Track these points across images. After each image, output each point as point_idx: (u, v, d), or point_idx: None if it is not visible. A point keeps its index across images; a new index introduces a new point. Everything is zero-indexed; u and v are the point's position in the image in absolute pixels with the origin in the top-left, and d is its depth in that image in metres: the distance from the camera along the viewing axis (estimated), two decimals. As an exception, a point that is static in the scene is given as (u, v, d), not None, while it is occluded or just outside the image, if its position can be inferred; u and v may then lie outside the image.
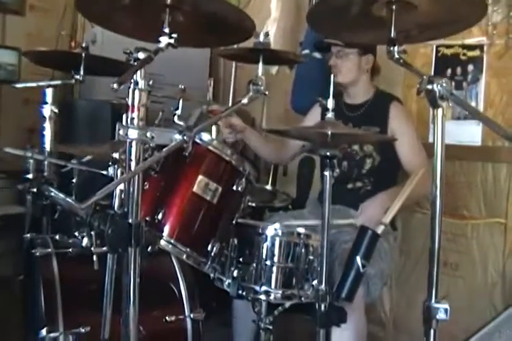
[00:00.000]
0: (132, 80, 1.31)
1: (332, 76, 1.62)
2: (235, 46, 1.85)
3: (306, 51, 2.82)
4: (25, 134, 3.46)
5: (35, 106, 2.27)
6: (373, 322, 2.56)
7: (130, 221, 1.27)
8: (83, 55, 2.07)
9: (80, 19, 3.84)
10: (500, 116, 2.26)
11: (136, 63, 1.28)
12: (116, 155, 1.48)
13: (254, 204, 2.48)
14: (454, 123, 2.37)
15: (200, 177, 1.65)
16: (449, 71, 2.44)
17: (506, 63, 2.25)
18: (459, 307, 2.18)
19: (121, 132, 1.29)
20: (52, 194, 1.54)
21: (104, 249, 1.32)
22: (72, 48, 3.72)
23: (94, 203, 1.23)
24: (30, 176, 2.06)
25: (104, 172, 1.79)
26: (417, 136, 2.18)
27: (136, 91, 1.31)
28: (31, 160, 2.06)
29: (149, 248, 1.48)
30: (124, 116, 1.33)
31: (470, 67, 2.38)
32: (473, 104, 2.34)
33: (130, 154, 1.30)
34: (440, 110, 1.26)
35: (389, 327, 2.65)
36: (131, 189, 1.30)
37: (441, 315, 1.24)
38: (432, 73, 2.50)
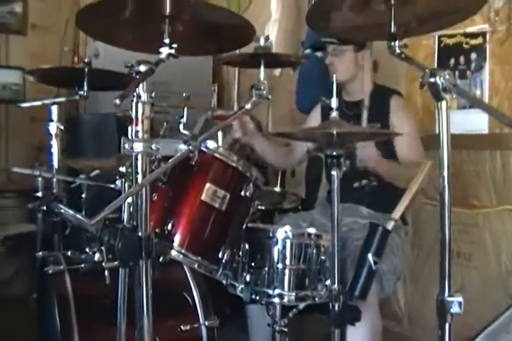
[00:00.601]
0: (135, 93, 1.32)
1: (334, 75, 1.62)
2: (237, 52, 1.86)
3: (308, 51, 2.82)
4: (33, 152, 3.50)
5: (42, 123, 2.29)
6: (388, 317, 2.54)
7: (140, 234, 1.27)
8: (86, 70, 2.08)
9: (82, 34, 3.88)
10: (506, 101, 2.24)
11: (138, 76, 1.29)
12: (123, 168, 1.49)
13: (263, 208, 2.48)
14: (461, 112, 2.36)
15: (207, 185, 1.64)
16: (453, 61, 2.43)
17: (509, 50, 2.23)
18: (473, 297, 2.16)
19: (126, 146, 1.29)
20: (62, 211, 1.55)
21: (116, 263, 1.32)
22: (75, 63, 3.75)
23: (104, 218, 1.23)
24: (39, 194, 2.07)
25: (113, 186, 1.80)
26: (416, 129, 2.16)
27: (139, 104, 1.32)
28: (40, 178, 2.08)
29: (161, 258, 1.48)
30: (129, 129, 1.34)
31: (473, 56, 2.36)
32: (478, 92, 2.33)
33: (136, 167, 1.31)
34: (444, 102, 1.25)
35: (404, 321, 2.64)
36: (139, 202, 1.30)
37: (455, 309, 1.23)
38: (436, 64, 2.49)
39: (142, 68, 1.31)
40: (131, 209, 1.36)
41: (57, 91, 2.87)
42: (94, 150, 2.87)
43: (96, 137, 2.93)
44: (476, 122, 2.31)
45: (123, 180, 1.51)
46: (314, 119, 2.37)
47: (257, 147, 2.27)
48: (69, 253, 1.74)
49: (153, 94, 1.36)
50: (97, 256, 1.54)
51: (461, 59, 2.40)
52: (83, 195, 2.17)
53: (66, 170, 2.28)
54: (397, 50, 1.33)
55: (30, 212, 2.10)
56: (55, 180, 2.11)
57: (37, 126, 3.38)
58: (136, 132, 1.32)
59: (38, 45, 3.82)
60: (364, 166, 1.96)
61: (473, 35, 2.34)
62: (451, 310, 1.22)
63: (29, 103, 2.36)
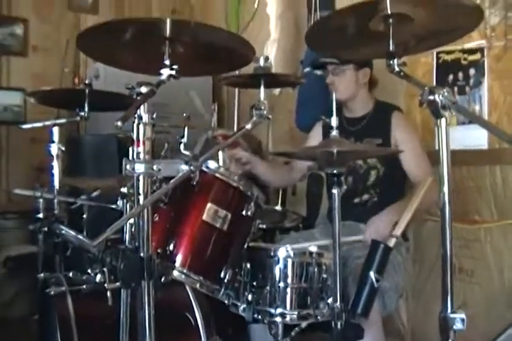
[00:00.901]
0: (136, 115, 1.33)
1: (334, 94, 1.63)
2: (237, 72, 1.88)
3: (308, 69, 2.84)
4: (34, 173, 3.50)
5: (43, 144, 2.30)
6: (391, 334, 2.52)
7: (142, 255, 1.27)
8: (87, 91, 2.10)
9: (82, 55, 3.91)
10: (505, 116, 2.26)
11: (139, 97, 1.30)
12: (124, 189, 1.49)
13: (264, 226, 2.47)
14: (460, 128, 2.37)
15: (209, 205, 1.65)
16: (451, 77, 2.44)
17: (506, 65, 2.26)
18: (476, 313, 2.15)
19: (128, 167, 1.30)
20: (64, 232, 1.55)
21: (118, 284, 1.32)
22: (76, 85, 3.77)
23: (105, 239, 1.23)
24: (40, 215, 2.07)
25: (114, 207, 1.80)
26: (420, 144, 2.18)
27: (141, 126, 1.33)
28: (41, 200, 2.08)
29: (162, 279, 1.48)
30: (130, 150, 1.35)
31: (472, 71, 2.38)
32: (477, 107, 2.34)
33: (138, 188, 1.31)
34: (443, 120, 1.26)
35: (407, 338, 2.62)
36: (141, 222, 1.30)
37: (458, 325, 1.22)
38: (434, 80, 2.51)
39: (143, 89, 1.33)
40: (133, 229, 1.36)
41: (58, 112, 2.88)
42: (94, 171, 2.87)
43: (96, 158, 2.93)
44: (475, 138, 2.32)
45: (124, 201, 1.51)
46: (315, 138, 2.39)
47: (256, 172, 2.27)
48: (70, 274, 1.73)
49: (154, 115, 1.37)
50: (98, 277, 1.54)
51: (460, 75, 2.41)
52: (84, 216, 2.17)
53: (67, 191, 2.28)
54: (396, 68, 1.35)
55: (32, 233, 2.09)
56: (56, 201, 2.11)
57: (37, 147, 3.38)
58: (138, 153, 1.33)
59: (39, 66, 3.84)
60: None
61: (471, 51, 2.36)
62: (454, 327, 1.22)
63: (30, 124, 2.37)
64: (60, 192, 2.15)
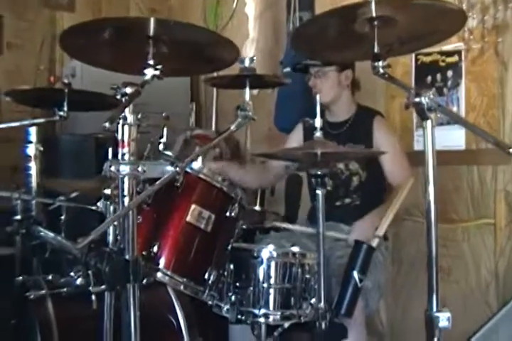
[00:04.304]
0: (121, 116, 1.31)
1: (317, 96, 1.63)
2: (215, 74, 1.86)
3: (288, 69, 2.84)
4: (7, 173, 3.42)
5: (17, 143, 2.25)
6: (371, 334, 2.54)
7: (127, 257, 1.26)
8: (66, 90, 2.05)
9: (58, 53, 3.85)
10: (482, 119, 2.29)
11: (124, 98, 1.28)
12: (108, 191, 1.47)
13: (244, 227, 2.47)
14: (438, 129, 2.37)
15: (193, 206, 1.64)
16: (429, 78, 2.47)
17: (483, 67, 2.29)
18: (454, 310, 2.16)
19: (112, 168, 1.28)
20: (45, 235, 1.52)
21: (103, 287, 1.30)
22: (51, 83, 3.71)
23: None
24: (18, 217, 2.02)
25: (94, 208, 1.78)
26: (400, 148, 2.21)
27: (126, 127, 1.31)
28: (19, 201, 2.03)
29: (144, 280, 1.46)
30: (111, 150, 1.33)
31: (449, 73, 2.41)
32: (454, 108, 2.37)
33: (123, 190, 1.29)
34: (429, 121, 1.28)
35: (386, 337, 2.64)
36: (126, 224, 1.28)
37: (443, 323, 1.24)
38: (413, 81, 2.53)
39: (128, 90, 1.31)
40: (117, 231, 1.34)
41: (33, 111, 2.82)
42: (71, 171, 2.83)
43: (74, 158, 2.88)
44: (453, 138, 2.36)
45: (107, 203, 1.49)
46: (295, 139, 2.38)
47: (229, 176, 2.24)
48: (50, 277, 1.70)
49: (139, 116, 1.35)
50: (79, 280, 1.52)
51: (438, 76, 2.44)
52: (62, 217, 2.12)
53: (43, 192, 2.23)
54: (381, 70, 1.35)
55: (8, 234, 2.04)
56: (34, 202, 2.07)
57: (11, 147, 3.31)
58: (123, 154, 1.31)
59: (13, 63, 3.77)
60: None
61: (449, 53, 2.39)
62: (440, 325, 1.23)
63: (5, 124, 2.32)
64: (38, 193, 2.11)
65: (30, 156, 2.15)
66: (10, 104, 2.43)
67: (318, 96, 1.61)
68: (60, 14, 3.96)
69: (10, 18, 3.80)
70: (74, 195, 2.05)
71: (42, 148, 2.16)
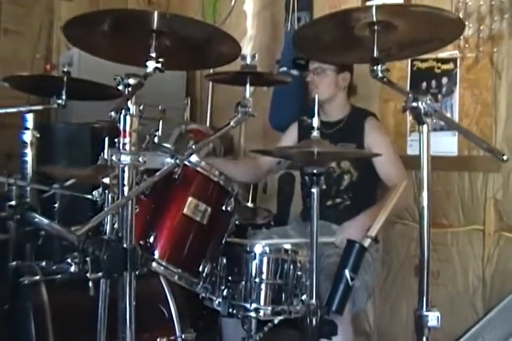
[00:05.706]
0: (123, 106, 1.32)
1: (316, 95, 1.65)
2: (211, 71, 1.87)
3: (284, 69, 2.86)
4: (1, 159, 3.41)
5: (12, 130, 2.24)
6: (358, 333, 2.58)
7: (125, 246, 1.27)
8: (65, 79, 2.06)
9: (55, 41, 3.83)
10: (475, 126, 2.33)
11: (126, 89, 1.29)
12: (106, 180, 1.48)
13: (237, 222, 2.48)
14: (431, 134, 2.42)
15: (189, 198, 1.66)
16: (424, 84, 2.50)
17: (477, 75, 2.33)
18: (441, 313, 2.21)
19: (113, 157, 1.29)
20: (42, 222, 1.53)
21: (100, 274, 1.31)
22: (47, 71, 3.69)
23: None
24: (13, 203, 2.02)
25: (89, 197, 1.79)
26: (393, 149, 2.23)
27: (128, 117, 1.32)
28: (14, 187, 2.03)
29: (137, 271, 1.48)
30: (105, 140, 1.34)
31: (444, 80, 2.44)
32: (448, 115, 2.40)
33: (123, 179, 1.31)
34: (425, 126, 1.30)
35: (374, 337, 2.68)
36: (125, 213, 1.30)
37: (432, 323, 1.27)
38: (408, 86, 2.56)
39: (132, 81, 1.32)
40: (115, 220, 1.36)
41: (28, 98, 2.81)
42: (65, 159, 2.82)
43: (69, 146, 2.89)
44: (445, 144, 2.40)
45: (106, 192, 1.50)
46: (290, 138, 2.41)
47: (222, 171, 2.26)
48: (43, 263, 1.70)
49: (141, 107, 1.36)
50: (73, 267, 1.53)
51: (433, 83, 2.48)
52: (56, 205, 2.13)
53: (38, 178, 2.23)
54: (380, 74, 1.38)
55: (2, 220, 2.03)
56: (29, 188, 2.07)
57: (6, 133, 3.29)
58: (124, 144, 1.32)
59: (9, 50, 3.74)
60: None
61: (445, 61, 2.43)
62: (429, 324, 1.26)
63: (4, 109, 2.31)
64: (33, 180, 2.11)
65: (27, 143, 2.14)
66: (5, 90, 2.42)
67: (316, 97, 1.63)
68: (58, 2, 3.95)
69: (7, 4, 3.78)
70: (69, 182, 2.06)
71: (38, 135, 2.15)
